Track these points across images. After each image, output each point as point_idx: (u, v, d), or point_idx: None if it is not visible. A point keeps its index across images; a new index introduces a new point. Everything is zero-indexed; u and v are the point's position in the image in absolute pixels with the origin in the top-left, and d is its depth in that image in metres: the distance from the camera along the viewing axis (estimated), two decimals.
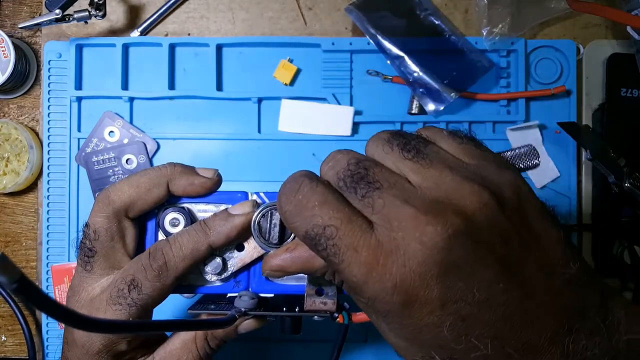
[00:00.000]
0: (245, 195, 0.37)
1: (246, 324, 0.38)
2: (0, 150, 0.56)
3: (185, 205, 0.37)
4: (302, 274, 0.35)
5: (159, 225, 0.37)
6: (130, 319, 0.34)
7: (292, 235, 0.34)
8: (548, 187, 0.56)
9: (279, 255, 0.31)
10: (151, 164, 0.56)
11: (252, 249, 0.36)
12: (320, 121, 0.56)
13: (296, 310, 0.37)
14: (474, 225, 0.24)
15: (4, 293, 0.56)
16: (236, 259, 0.36)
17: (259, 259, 0.37)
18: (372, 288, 0.25)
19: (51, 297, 0.21)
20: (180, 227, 0.36)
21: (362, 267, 0.25)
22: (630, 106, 0.55)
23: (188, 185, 0.36)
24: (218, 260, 0.36)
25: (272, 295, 0.37)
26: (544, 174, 0.56)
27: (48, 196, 0.56)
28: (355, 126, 0.56)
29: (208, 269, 0.36)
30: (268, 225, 0.34)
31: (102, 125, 0.56)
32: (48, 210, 0.56)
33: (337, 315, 0.36)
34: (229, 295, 0.38)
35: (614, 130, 0.55)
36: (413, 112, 0.56)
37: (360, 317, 0.36)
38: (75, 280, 0.36)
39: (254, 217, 0.35)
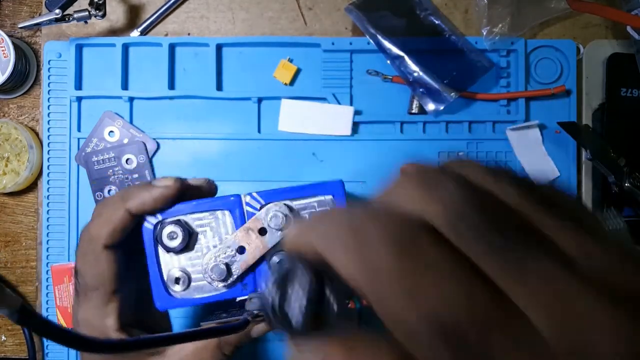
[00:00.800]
0: (238, 198, 0.37)
1: (258, 328, 0.38)
2: (0, 150, 0.56)
3: (180, 217, 0.37)
4: None
5: (158, 241, 0.37)
6: (96, 307, 0.37)
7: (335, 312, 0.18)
8: None
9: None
10: (151, 163, 0.56)
11: (253, 249, 0.36)
12: (320, 121, 0.56)
13: None
14: None
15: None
16: (239, 262, 0.36)
17: (262, 258, 0.37)
18: None
19: (54, 323, 0.21)
20: (179, 240, 0.36)
21: None
22: (630, 106, 0.55)
23: (141, 204, 0.36)
24: (222, 266, 0.36)
25: None
26: (543, 174, 0.56)
27: (48, 196, 0.56)
28: (355, 126, 0.56)
29: (213, 276, 0.36)
30: (288, 294, 0.18)
31: (102, 125, 0.56)
32: (48, 210, 0.56)
33: (348, 301, 0.36)
34: (238, 299, 0.38)
35: (614, 130, 0.55)
36: (413, 111, 0.56)
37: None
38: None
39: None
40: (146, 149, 0.56)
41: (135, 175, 0.56)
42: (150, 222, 0.37)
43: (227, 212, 0.38)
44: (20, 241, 0.58)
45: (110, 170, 0.56)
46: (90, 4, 0.53)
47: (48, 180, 0.56)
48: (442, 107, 0.54)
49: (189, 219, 0.37)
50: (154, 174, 0.56)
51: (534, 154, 0.56)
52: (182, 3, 0.58)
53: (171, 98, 0.56)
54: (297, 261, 0.17)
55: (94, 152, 0.55)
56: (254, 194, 0.37)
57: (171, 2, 0.57)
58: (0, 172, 0.56)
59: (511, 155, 0.56)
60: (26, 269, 0.58)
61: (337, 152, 0.56)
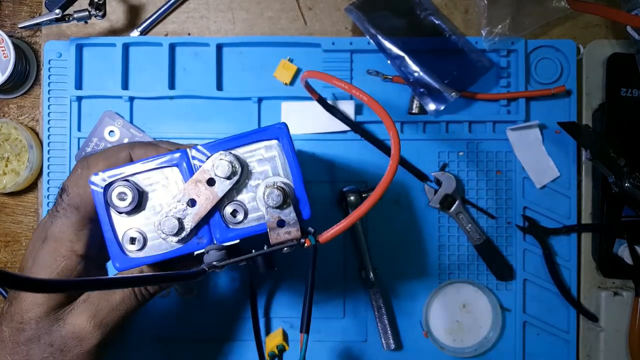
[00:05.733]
0: (184, 152, 0.37)
1: None
2: (0, 150, 0.56)
3: (129, 177, 0.37)
4: (264, 211, 0.36)
5: (108, 203, 0.37)
6: (72, 226, 0.39)
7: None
8: (548, 187, 0.56)
9: None
10: None
11: (204, 201, 0.36)
12: (321, 118, 0.55)
13: (264, 248, 0.37)
14: None
15: (4, 292, 0.56)
16: (191, 215, 0.36)
17: (215, 209, 0.36)
18: None
19: None
20: (129, 200, 0.36)
21: None
22: (630, 106, 0.55)
23: (145, 155, 0.39)
24: (173, 220, 0.36)
25: (237, 241, 0.37)
26: (544, 173, 0.56)
27: (48, 196, 0.56)
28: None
29: (166, 230, 0.36)
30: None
31: (102, 125, 0.56)
32: (48, 210, 0.55)
33: (303, 240, 0.36)
34: (196, 254, 0.38)
35: (614, 130, 0.55)
36: (413, 111, 0.56)
37: (326, 235, 0.37)
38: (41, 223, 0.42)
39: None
40: None
41: None
42: (98, 185, 0.37)
43: (176, 169, 0.37)
44: (20, 241, 0.58)
45: None
46: (90, 4, 0.53)
47: (48, 180, 0.56)
48: (442, 107, 0.54)
49: (137, 179, 0.37)
50: None
51: (534, 154, 0.56)
52: (182, 3, 0.58)
53: (171, 98, 0.56)
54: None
55: (94, 152, 0.55)
56: (199, 147, 0.37)
57: (171, 2, 0.57)
58: (0, 172, 0.56)
59: (511, 155, 0.56)
60: None
61: (337, 152, 0.56)
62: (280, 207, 0.36)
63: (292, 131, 0.55)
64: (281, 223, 0.36)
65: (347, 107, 0.55)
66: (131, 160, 0.40)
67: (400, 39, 0.55)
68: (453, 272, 0.56)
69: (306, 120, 0.56)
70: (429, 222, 0.56)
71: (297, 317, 0.55)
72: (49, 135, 0.56)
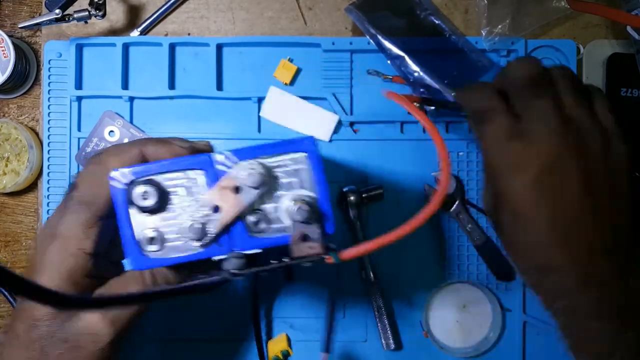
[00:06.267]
0: (209, 157, 0.37)
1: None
2: (0, 150, 0.56)
3: (152, 177, 0.37)
4: (287, 223, 0.36)
5: (130, 201, 0.36)
6: (81, 223, 0.38)
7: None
8: None
9: None
10: None
11: (228, 208, 0.36)
12: (302, 119, 0.55)
13: (285, 260, 0.36)
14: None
15: (4, 292, 0.56)
16: (214, 222, 0.36)
17: (238, 217, 0.36)
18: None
19: (12, 272, 0.21)
20: (152, 200, 0.36)
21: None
22: (630, 106, 0.55)
23: (154, 154, 0.40)
24: (198, 225, 0.36)
25: (259, 250, 0.37)
26: None
27: (48, 196, 0.56)
28: (356, 126, 0.56)
29: (190, 235, 0.36)
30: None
31: (102, 125, 0.56)
32: (48, 210, 0.56)
33: (325, 257, 0.36)
34: (214, 259, 0.38)
35: None
36: None
37: (348, 253, 0.36)
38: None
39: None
40: None
41: None
42: (120, 182, 0.37)
43: (200, 172, 0.37)
44: (20, 241, 0.58)
45: None
46: (90, 4, 0.53)
47: (48, 180, 0.56)
48: None
49: (161, 178, 0.37)
50: None
51: None
52: (182, 3, 0.58)
53: (171, 98, 0.56)
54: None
55: (95, 152, 0.55)
56: (227, 153, 0.37)
57: (171, 2, 0.57)
58: (0, 172, 0.56)
59: None
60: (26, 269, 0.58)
61: (337, 152, 0.56)
62: (306, 221, 0.36)
63: (273, 121, 0.55)
64: (305, 237, 0.36)
65: (330, 119, 0.55)
66: (143, 157, 0.40)
67: (400, 39, 0.55)
68: (453, 272, 0.56)
69: (289, 114, 0.55)
70: (429, 222, 0.56)
71: (297, 317, 0.56)
72: (49, 135, 0.56)
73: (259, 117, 0.56)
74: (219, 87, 0.57)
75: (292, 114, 0.56)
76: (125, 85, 0.57)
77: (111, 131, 0.56)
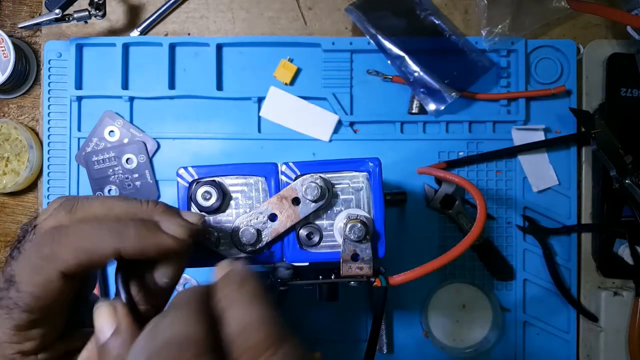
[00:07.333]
0: (275, 166, 0.38)
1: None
2: (0, 150, 0.56)
3: (216, 178, 0.38)
4: (339, 240, 0.36)
5: (192, 200, 0.37)
6: (15, 325, 0.28)
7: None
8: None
9: None
10: (151, 163, 0.56)
11: (285, 218, 0.37)
12: (302, 119, 0.56)
13: (332, 277, 0.37)
14: None
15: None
16: (270, 229, 0.37)
17: (292, 228, 0.37)
18: None
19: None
20: (213, 200, 0.37)
21: None
22: (630, 106, 0.55)
23: (139, 249, 0.28)
24: (252, 230, 0.36)
25: (307, 264, 0.38)
26: (542, 179, 0.56)
27: (48, 196, 0.56)
28: (356, 126, 0.56)
29: (243, 239, 0.36)
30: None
31: (102, 125, 0.56)
32: None
33: (374, 279, 0.36)
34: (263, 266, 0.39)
35: (614, 130, 0.54)
36: (413, 111, 0.56)
37: (397, 279, 0.37)
38: None
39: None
40: (146, 149, 0.56)
41: (136, 175, 0.56)
42: (185, 180, 0.38)
43: (261, 179, 0.38)
44: None
45: (111, 170, 0.55)
46: (90, 4, 0.53)
47: (48, 180, 0.56)
48: (442, 107, 0.54)
49: (223, 180, 0.38)
50: (154, 174, 0.56)
51: (535, 158, 0.56)
52: (182, 3, 0.58)
53: (171, 98, 0.56)
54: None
55: (94, 152, 0.55)
56: (290, 164, 0.38)
57: (171, 2, 0.57)
58: (0, 172, 0.56)
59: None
60: None
61: (337, 152, 0.56)
62: (359, 241, 0.36)
63: (273, 120, 0.55)
64: (355, 257, 0.36)
65: (330, 119, 0.55)
66: (117, 256, 0.28)
67: (400, 39, 0.55)
68: (453, 272, 0.56)
69: (289, 114, 0.56)
70: (429, 222, 0.56)
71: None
72: (49, 135, 0.56)
73: (259, 117, 0.56)
74: (219, 87, 0.57)
75: (292, 114, 0.56)
76: (125, 85, 0.57)
77: (111, 131, 0.56)
